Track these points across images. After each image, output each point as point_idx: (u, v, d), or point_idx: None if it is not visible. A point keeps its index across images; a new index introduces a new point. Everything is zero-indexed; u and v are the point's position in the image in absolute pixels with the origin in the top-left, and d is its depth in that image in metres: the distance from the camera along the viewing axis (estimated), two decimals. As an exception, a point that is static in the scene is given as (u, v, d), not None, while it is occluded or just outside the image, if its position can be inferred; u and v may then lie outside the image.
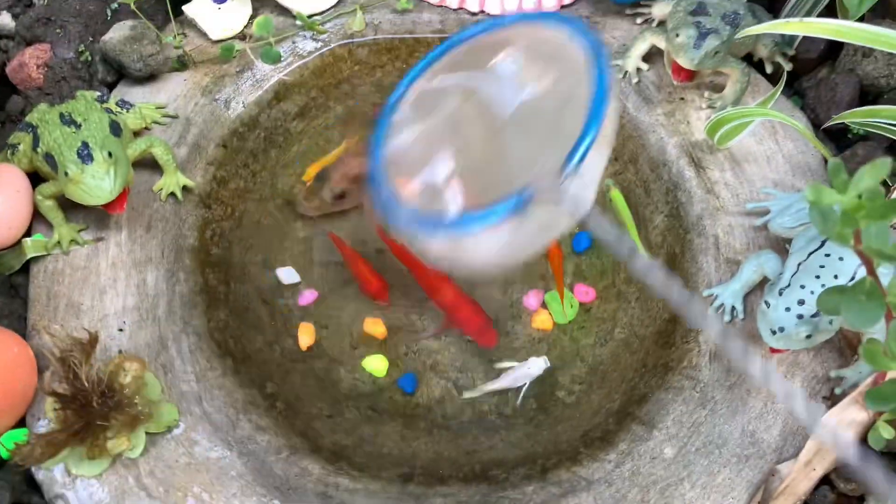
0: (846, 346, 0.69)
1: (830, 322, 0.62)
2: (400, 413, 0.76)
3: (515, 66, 0.58)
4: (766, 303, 0.63)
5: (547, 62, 0.56)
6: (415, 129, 0.59)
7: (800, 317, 0.62)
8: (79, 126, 0.73)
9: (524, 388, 0.75)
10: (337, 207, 0.84)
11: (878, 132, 0.76)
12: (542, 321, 0.80)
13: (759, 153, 0.81)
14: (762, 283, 0.72)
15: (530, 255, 0.55)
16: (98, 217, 0.77)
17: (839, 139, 0.85)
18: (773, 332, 0.62)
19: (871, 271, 0.51)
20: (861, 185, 0.44)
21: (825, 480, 0.65)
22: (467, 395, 0.76)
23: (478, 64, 0.59)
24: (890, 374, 0.59)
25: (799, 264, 0.65)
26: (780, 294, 0.63)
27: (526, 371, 0.75)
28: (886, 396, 0.46)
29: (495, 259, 0.53)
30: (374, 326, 0.80)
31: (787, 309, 0.62)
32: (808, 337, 0.62)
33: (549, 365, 0.75)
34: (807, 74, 0.89)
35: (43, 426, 0.66)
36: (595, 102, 0.50)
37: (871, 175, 0.43)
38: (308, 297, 0.81)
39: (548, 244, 0.65)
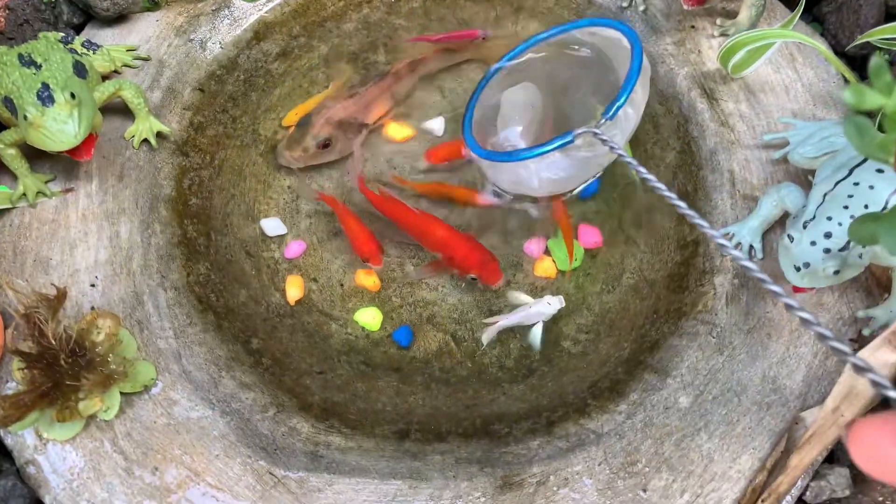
0: (874, 285, 0.64)
1: (860, 256, 0.57)
2: (395, 368, 0.71)
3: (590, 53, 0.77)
4: (790, 237, 0.58)
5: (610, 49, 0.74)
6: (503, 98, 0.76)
7: (827, 251, 0.56)
8: (39, 67, 0.67)
9: (540, 330, 0.70)
10: (322, 158, 0.78)
11: (908, 54, 0.70)
12: (545, 269, 0.75)
13: (776, 82, 0.75)
14: (782, 220, 0.67)
15: (574, 185, 0.74)
16: (66, 167, 0.71)
17: (862, 66, 0.78)
18: (798, 269, 0.57)
19: (911, 193, 0.46)
20: (908, 85, 0.38)
21: (853, 428, 0.60)
22: (485, 337, 0.71)
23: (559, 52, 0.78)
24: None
25: (825, 195, 0.59)
26: (805, 227, 0.58)
27: (541, 309, 0.70)
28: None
29: (548, 185, 0.72)
30: (367, 278, 0.75)
31: (813, 243, 0.57)
32: (836, 273, 0.57)
33: (563, 304, 0.70)
34: (827, -2, 0.82)
35: (11, 388, 0.62)
36: (629, 77, 0.67)
37: (918, 73, 0.38)
38: (295, 248, 0.76)
39: (589, 177, 0.75)
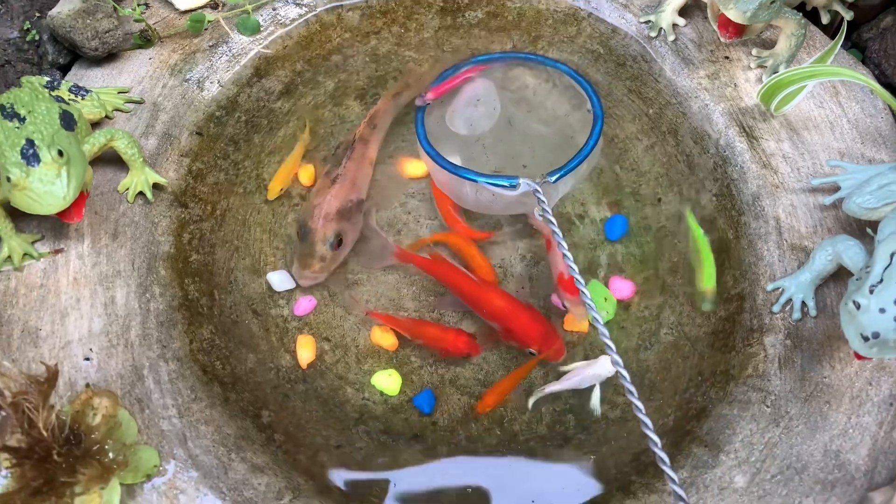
0: (940, 345, 0.59)
1: (933, 324, 0.52)
2: (418, 437, 0.65)
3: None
4: (856, 303, 0.53)
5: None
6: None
7: (898, 319, 0.51)
8: (23, 120, 0.61)
9: (598, 393, 0.65)
10: (340, 257, 0.71)
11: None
12: (576, 322, 0.70)
13: (819, 118, 0.70)
14: (837, 275, 0.62)
15: (501, 213, 0.75)
16: (55, 225, 0.66)
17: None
18: (866, 339, 0.52)
19: None
20: None
21: (925, 507, 0.55)
22: (532, 400, 0.65)
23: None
24: None
25: (892, 255, 0.54)
26: (872, 292, 0.52)
27: (597, 371, 0.64)
28: None
29: (485, 205, 0.73)
30: (384, 337, 0.70)
31: (882, 310, 0.52)
32: (909, 343, 0.51)
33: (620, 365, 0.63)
34: (867, 23, 0.77)
35: (1, 481, 0.56)
36: (582, 151, 0.70)
37: None
38: (305, 305, 0.71)
39: (514, 212, 0.75)
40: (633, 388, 0.53)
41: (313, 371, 0.68)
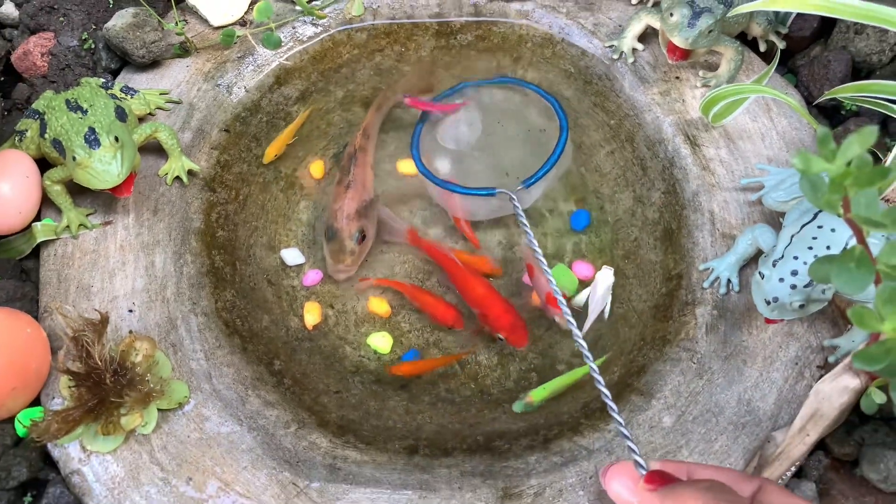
0: (839, 317, 0.71)
1: (823, 292, 0.64)
2: (404, 388, 0.77)
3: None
4: (761, 274, 0.65)
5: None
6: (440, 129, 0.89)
7: (793, 287, 0.63)
8: (85, 112, 0.74)
9: (608, 302, 0.80)
10: (365, 250, 0.83)
11: (870, 107, 0.78)
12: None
13: (753, 130, 0.82)
14: (757, 257, 0.74)
15: (481, 218, 0.86)
16: (105, 202, 0.78)
17: (832, 116, 0.86)
18: (768, 303, 0.64)
19: (861, 239, 0.53)
20: (849, 153, 0.45)
21: (821, 446, 0.67)
22: (577, 334, 0.69)
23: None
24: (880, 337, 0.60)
25: (792, 236, 0.66)
26: (774, 265, 0.65)
27: (602, 289, 0.79)
28: (873, 357, 0.48)
29: (462, 212, 0.85)
30: (379, 305, 0.82)
31: (781, 279, 0.64)
32: (802, 306, 0.63)
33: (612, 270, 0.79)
34: (800, 52, 0.90)
35: (57, 404, 0.68)
36: (549, 161, 0.81)
37: (858, 143, 0.45)
38: (313, 277, 0.83)
39: (492, 216, 0.87)
40: (590, 355, 0.63)
41: (317, 332, 0.80)
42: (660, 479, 0.54)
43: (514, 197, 0.78)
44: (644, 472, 0.55)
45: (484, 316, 0.78)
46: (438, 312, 0.79)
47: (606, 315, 0.80)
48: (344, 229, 0.81)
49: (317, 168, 0.90)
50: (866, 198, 0.50)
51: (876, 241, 0.63)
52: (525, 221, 0.75)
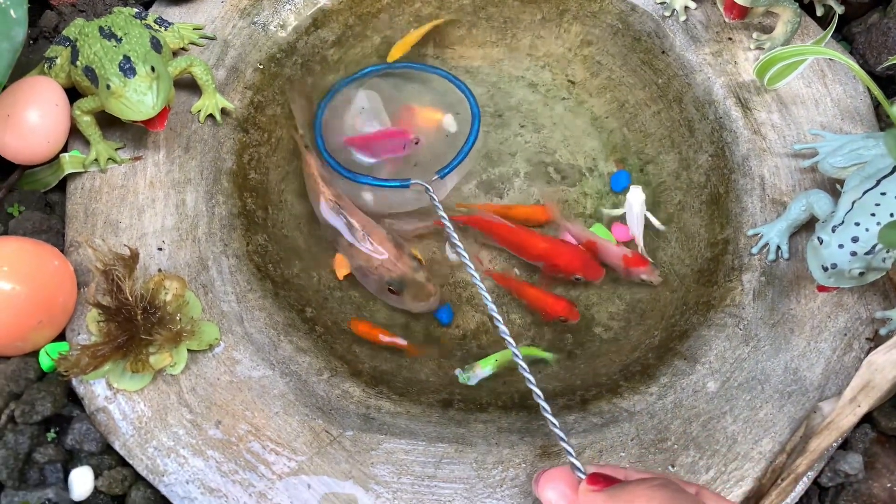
0: (892, 289, 0.69)
1: (884, 260, 0.62)
2: (436, 343, 0.75)
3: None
4: (819, 239, 0.63)
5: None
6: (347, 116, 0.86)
7: (853, 253, 0.61)
8: (119, 40, 0.71)
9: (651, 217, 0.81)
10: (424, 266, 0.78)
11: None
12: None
13: (807, 96, 0.80)
14: (807, 225, 0.71)
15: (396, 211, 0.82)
16: (135, 136, 0.75)
17: (886, 87, 0.83)
18: (825, 269, 0.62)
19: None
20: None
21: (867, 419, 0.65)
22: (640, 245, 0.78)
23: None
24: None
25: (853, 202, 0.64)
26: (834, 231, 0.62)
27: (637, 207, 0.79)
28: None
29: (376, 206, 0.81)
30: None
31: (841, 246, 0.62)
32: (861, 274, 0.61)
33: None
34: (857, 19, 0.87)
35: (83, 340, 0.66)
36: (463, 150, 0.80)
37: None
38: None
39: (411, 208, 0.82)
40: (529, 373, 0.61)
41: (347, 283, 0.78)
42: (603, 481, 0.52)
43: (430, 188, 0.76)
44: (583, 476, 0.53)
45: (553, 266, 0.77)
46: (549, 305, 0.76)
47: (660, 227, 0.80)
48: (403, 270, 0.75)
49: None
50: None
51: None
52: (444, 214, 0.72)
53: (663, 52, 0.84)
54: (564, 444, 0.56)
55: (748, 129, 0.78)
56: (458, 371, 0.71)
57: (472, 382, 0.71)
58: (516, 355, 0.61)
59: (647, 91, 0.86)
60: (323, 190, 0.78)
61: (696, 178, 0.80)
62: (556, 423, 0.57)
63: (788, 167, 0.76)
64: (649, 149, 0.85)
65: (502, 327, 0.62)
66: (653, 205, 0.82)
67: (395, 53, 0.86)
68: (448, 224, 0.71)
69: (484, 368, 0.71)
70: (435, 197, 0.75)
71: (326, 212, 0.78)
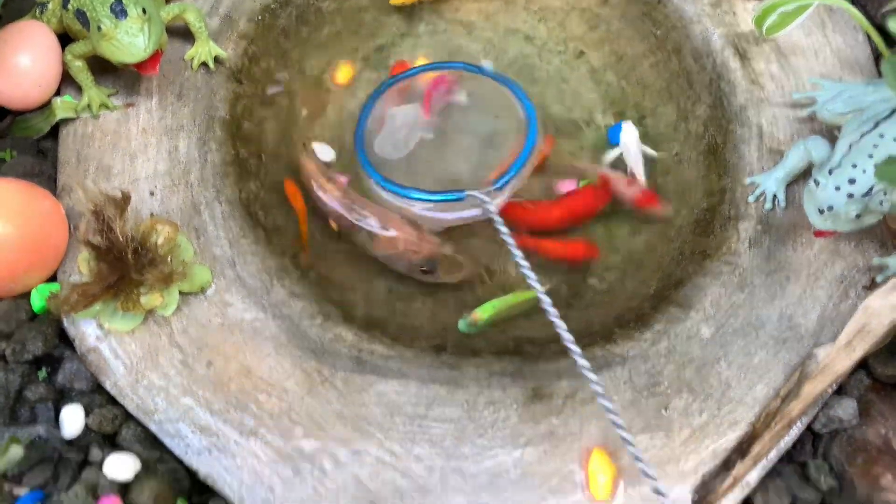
0: (889, 237, 0.68)
1: (881, 203, 0.61)
2: (430, 293, 0.75)
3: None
4: (816, 181, 0.62)
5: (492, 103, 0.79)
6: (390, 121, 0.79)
7: (850, 195, 0.60)
8: (111, -17, 0.70)
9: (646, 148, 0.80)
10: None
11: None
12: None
13: (806, 46, 0.79)
14: (805, 174, 0.71)
15: (444, 227, 0.76)
16: (128, 83, 0.75)
17: (887, 36, 0.82)
18: (822, 212, 0.61)
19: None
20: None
21: (863, 366, 0.64)
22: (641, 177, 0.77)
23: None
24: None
25: (850, 145, 0.63)
26: (831, 173, 0.62)
27: (633, 144, 0.79)
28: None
29: (425, 220, 0.75)
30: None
31: (837, 188, 0.61)
32: (858, 216, 0.61)
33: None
34: (859, -30, 0.86)
35: (75, 282, 0.65)
36: (523, 154, 0.74)
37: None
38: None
39: (466, 222, 0.76)
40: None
41: (343, 233, 0.78)
42: None
43: (487, 200, 0.70)
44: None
45: (581, 216, 0.77)
46: (570, 252, 0.75)
47: (655, 154, 0.80)
48: (429, 248, 0.73)
49: (344, 73, 0.87)
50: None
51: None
52: (504, 228, 0.67)
53: (660, 2, 0.83)
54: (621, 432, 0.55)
55: (746, 80, 0.77)
56: (460, 322, 0.71)
57: (473, 331, 0.71)
58: (545, 303, 0.61)
59: (645, 43, 0.85)
60: (327, 188, 0.76)
61: (693, 129, 0.80)
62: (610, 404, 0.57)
63: (787, 117, 0.75)
64: (647, 101, 0.84)
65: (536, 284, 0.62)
66: (647, 160, 0.82)
67: None
68: (509, 241, 0.65)
69: (481, 320, 0.70)
70: (493, 209, 0.69)
71: (338, 208, 0.75)
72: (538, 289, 0.62)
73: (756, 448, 0.59)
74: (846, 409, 0.62)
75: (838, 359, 0.61)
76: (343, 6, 0.88)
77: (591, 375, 0.57)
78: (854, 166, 0.61)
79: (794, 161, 0.70)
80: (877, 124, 0.64)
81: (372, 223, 0.74)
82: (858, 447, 0.61)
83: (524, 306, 0.70)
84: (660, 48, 0.84)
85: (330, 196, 0.76)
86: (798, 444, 0.62)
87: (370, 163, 0.75)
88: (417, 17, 0.89)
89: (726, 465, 0.59)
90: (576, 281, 0.76)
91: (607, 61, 0.87)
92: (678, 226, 0.76)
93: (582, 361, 0.58)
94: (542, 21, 0.89)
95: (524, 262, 0.63)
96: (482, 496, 0.58)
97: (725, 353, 0.64)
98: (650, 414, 0.61)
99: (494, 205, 0.70)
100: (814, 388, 0.61)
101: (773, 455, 0.60)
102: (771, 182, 0.71)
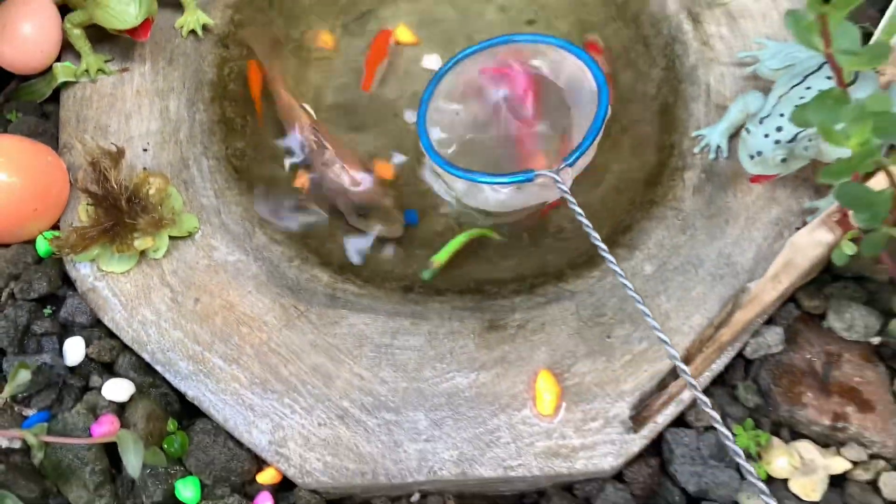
0: (823, 184, 0.74)
1: (805, 149, 0.67)
2: (402, 242, 0.81)
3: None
4: (747, 129, 0.68)
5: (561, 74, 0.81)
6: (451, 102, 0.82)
7: (777, 142, 0.66)
8: (105, -45, 0.76)
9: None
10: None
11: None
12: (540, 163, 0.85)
13: (755, 10, 0.84)
14: (746, 127, 0.76)
15: (516, 209, 0.80)
16: (123, 50, 0.81)
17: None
18: (752, 157, 0.67)
19: (840, 80, 0.56)
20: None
21: (792, 299, 0.70)
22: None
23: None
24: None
25: (780, 97, 0.69)
26: (761, 122, 0.67)
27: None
28: (837, 172, 0.51)
29: (493, 206, 0.79)
30: (384, 170, 0.85)
31: (766, 135, 0.67)
32: (784, 160, 0.66)
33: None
34: (809, -61, 0.91)
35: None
36: (592, 127, 0.74)
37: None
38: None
39: (528, 206, 0.80)
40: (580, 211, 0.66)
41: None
42: None
43: (559, 179, 0.70)
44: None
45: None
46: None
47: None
48: (373, 195, 0.79)
49: (325, 38, 0.92)
50: (846, 33, 0.53)
51: (863, 92, 0.66)
52: (580, 210, 0.66)
53: (621, -30, 0.89)
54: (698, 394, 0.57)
55: (697, 41, 0.83)
56: (423, 273, 0.77)
57: (435, 274, 0.77)
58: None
59: (606, 10, 0.91)
60: (298, 115, 0.83)
61: (649, 91, 0.85)
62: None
63: (733, 75, 0.80)
64: (608, 66, 0.89)
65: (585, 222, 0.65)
66: (610, 118, 0.87)
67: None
68: (585, 221, 0.66)
69: (438, 264, 0.76)
70: (565, 188, 0.69)
71: (300, 133, 0.83)
72: (609, 258, 0.64)
73: (689, 369, 0.65)
74: (773, 337, 0.68)
75: (766, 290, 0.67)
76: (326, -22, 0.94)
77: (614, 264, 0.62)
78: (781, 115, 0.67)
79: (734, 114, 0.75)
80: (805, 77, 0.69)
81: (329, 155, 0.80)
82: (784, 370, 0.67)
83: (468, 243, 0.77)
84: (620, 16, 0.89)
85: (299, 125, 0.82)
86: (730, 368, 0.68)
87: (432, 147, 0.77)
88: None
89: (661, 385, 0.66)
90: (536, 230, 0.82)
91: (572, 29, 0.93)
92: (633, 179, 0.82)
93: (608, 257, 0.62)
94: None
95: (598, 240, 0.65)
96: (440, 412, 0.65)
97: (666, 288, 0.70)
98: (594, 341, 0.68)
99: (566, 183, 0.70)
100: (743, 317, 0.67)
101: (707, 377, 0.67)
102: (715, 134, 0.76)
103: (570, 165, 0.72)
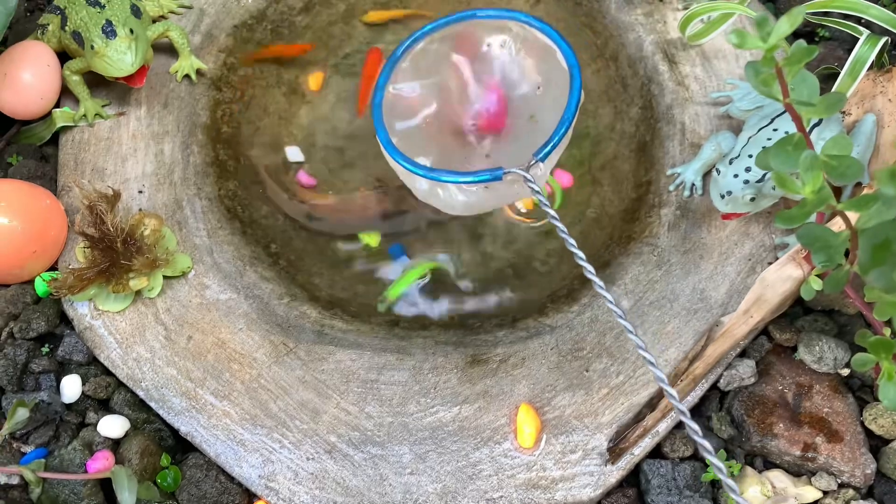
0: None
1: (774, 188, 0.69)
2: (391, 280, 0.84)
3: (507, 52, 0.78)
4: (718, 170, 0.71)
5: (534, 56, 0.76)
6: (411, 83, 0.77)
7: (746, 182, 0.69)
8: (103, 6, 0.80)
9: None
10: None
11: (840, 28, 0.82)
12: (528, 203, 0.87)
13: (728, 51, 0.87)
14: (721, 164, 0.79)
15: (484, 211, 0.77)
16: (119, 94, 0.84)
17: (808, 41, 0.91)
18: (722, 196, 0.70)
19: (800, 126, 0.58)
20: (780, 32, 0.51)
21: (765, 332, 0.73)
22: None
23: (471, 40, 0.77)
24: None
25: (749, 138, 0.72)
26: (730, 163, 0.70)
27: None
28: (793, 217, 0.54)
29: (459, 209, 0.72)
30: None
31: (735, 175, 0.70)
32: (753, 199, 0.69)
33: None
34: (780, -19, 0.94)
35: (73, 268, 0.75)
36: (564, 117, 0.68)
37: (788, 23, 0.50)
38: (305, 179, 0.89)
39: (499, 206, 0.78)
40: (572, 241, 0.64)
41: (315, 223, 0.87)
42: None
43: (529, 177, 0.63)
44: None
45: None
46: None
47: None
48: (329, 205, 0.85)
49: (315, 80, 0.96)
50: (804, 82, 0.56)
51: (822, 140, 0.68)
52: (551, 209, 0.62)
53: (601, 14, 0.92)
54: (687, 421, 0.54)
55: (673, 81, 0.86)
56: (378, 305, 0.79)
57: (389, 307, 0.80)
58: (570, 244, 0.61)
59: (588, 52, 0.94)
60: None
61: (627, 129, 0.88)
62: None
63: (707, 114, 0.84)
64: (588, 104, 0.93)
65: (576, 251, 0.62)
66: (590, 155, 0.90)
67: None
68: (556, 220, 0.62)
69: (392, 298, 0.80)
70: (536, 187, 0.63)
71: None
72: (588, 268, 0.62)
73: (664, 402, 0.68)
74: (746, 369, 0.70)
75: (738, 325, 0.70)
76: (315, 21, 0.97)
77: (602, 288, 0.60)
78: (750, 156, 0.70)
79: (707, 153, 0.78)
80: (772, 120, 0.72)
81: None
82: (757, 401, 0.69)
83: (420, 277, 0.80)
84: (600, 56, 0.93)
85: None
86: (705, 399, 0.71)
87: (390, 142, 0.70)
88: (384, 29, 0.98)
89: (638, 417, 0.68)
90: (520, 265, 0.84)
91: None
92: (610, 214, 0.85)
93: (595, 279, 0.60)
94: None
95: (573, 243, 0.62)
96: (424, 446, 0.67)
97: (642, 322, 0.73)
98: (573, 375, 0.70)
99: (538, 181, 0.64)
100: (716, 350, 0.69)
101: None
102: (689, 172, 0.79)
103: (542, 161, 0.65)
